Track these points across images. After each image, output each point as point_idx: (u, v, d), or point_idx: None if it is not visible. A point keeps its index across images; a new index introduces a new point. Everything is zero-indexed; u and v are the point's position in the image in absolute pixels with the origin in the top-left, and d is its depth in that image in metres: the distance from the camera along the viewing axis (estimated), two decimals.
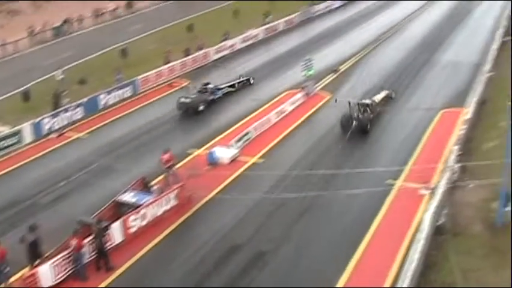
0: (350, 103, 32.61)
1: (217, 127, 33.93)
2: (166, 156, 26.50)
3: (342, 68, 44.59)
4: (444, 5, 70.55)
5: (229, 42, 50.39)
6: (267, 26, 56.48)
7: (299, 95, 37.31)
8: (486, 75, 39.21)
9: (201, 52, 47.09)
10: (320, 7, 67.20)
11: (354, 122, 31.56)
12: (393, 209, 24.42)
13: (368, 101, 34.17)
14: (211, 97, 37.49)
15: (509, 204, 22.45)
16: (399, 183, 26.34)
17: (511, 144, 21.66)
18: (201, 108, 36.30)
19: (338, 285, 19.40)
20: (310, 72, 38.03)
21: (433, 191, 24.55)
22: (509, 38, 51.30)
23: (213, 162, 28.79)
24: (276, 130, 33.32)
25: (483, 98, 35.89)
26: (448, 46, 51.97)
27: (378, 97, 35.68)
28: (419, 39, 54.32)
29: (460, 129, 30.96)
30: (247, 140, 31.16)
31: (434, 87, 40.46)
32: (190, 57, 46.03)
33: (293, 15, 61.12)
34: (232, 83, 40.04)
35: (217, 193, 25.94)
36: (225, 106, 37.70)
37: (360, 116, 32.23)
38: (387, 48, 51.71)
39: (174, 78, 43.22)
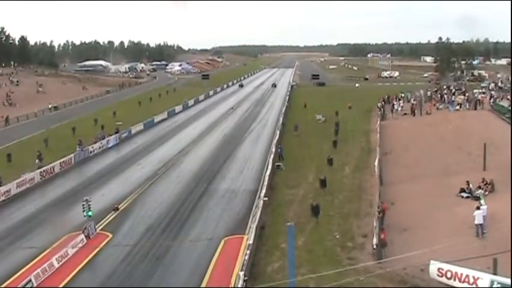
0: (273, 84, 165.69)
1: None
2: None
3: (122, 206, 43.90)
4: (216, 137, 74.48)
5: (3, 188, 47.71)
6: (43, 169, 54.56)
7: (81, 237, 36.03)
8: (262, 201, 41.01)
9: None
10: (95, 146, 66.86)
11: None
12: None
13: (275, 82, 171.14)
14: None
15: None
16: None
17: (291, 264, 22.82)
18: None
19: None
20: (89, 213, 37.12)
21: None
22: (279, 163, 54.87)
23: None
24: (59, 275, 31.35)
25: (262, 223, 37.33)
26: (224, 175, 54.09)
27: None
28: (195, 171, 55.86)
29: (243, 255, 31.65)
30: None
31: (215, 216, 41.35)
32: None
33: (69, 156, 59.90)
34: None
35: None
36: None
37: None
38: (164, 182, 52.09)
39: None
